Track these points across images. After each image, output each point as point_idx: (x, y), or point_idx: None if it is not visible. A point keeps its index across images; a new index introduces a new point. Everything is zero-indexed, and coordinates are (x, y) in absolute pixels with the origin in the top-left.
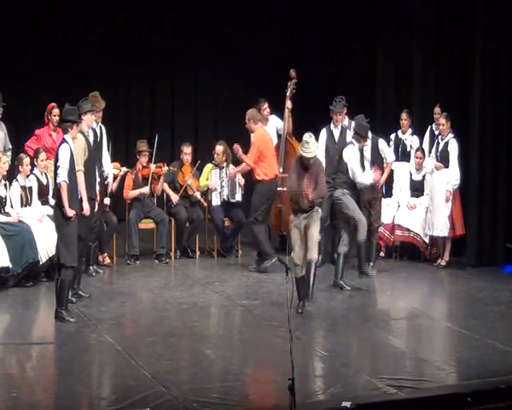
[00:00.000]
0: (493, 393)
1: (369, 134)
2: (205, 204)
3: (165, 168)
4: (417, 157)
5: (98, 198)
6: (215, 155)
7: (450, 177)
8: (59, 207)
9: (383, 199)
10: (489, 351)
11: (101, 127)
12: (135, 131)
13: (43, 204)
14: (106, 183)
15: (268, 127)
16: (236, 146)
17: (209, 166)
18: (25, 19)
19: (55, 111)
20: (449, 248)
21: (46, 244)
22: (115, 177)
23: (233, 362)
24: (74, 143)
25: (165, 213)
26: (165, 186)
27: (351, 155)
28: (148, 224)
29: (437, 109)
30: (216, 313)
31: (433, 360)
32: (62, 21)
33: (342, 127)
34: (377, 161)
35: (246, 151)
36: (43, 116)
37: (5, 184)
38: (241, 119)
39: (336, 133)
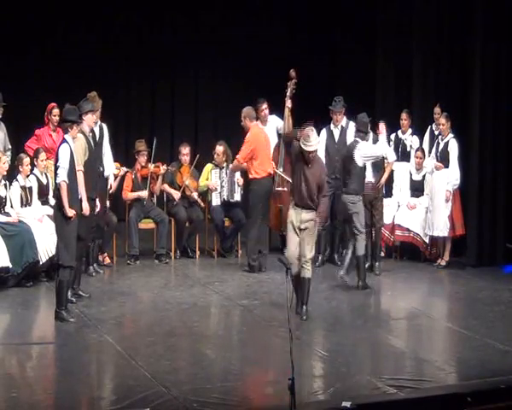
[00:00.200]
0: (493, 393)
1: (371, 133)
2: (202, 204)
3: (164, 168)
4: (417, 157)
5: (97, 199)
6: (215, 156)
7: (450, 177)
8: (59, 207)
9: (383, 199)
10: (489, 351)
11: (101, 126)
12: (135, 131)
13: (43, 204)
14: (109, 186)
15: (268, 127)
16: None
17: (209, 166)
18: (25, 19)
19: (55, 111)
20: (449, 248)
21: (46, 244)
22: (115, 177)
23: (233, 362)
24: (74, 142)
25: (164, 214)
26: (165, 186)
27: (365, 150)
28: (148, 224)
29: (437, 109)
30: (216, 313)
31: (433, 360)
32: (62, 21)
33: (342, 127)
34: (378, 160)
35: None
36: (43, 116)
37: (5, 184)
38: (241, 119)
39: (336, 133)
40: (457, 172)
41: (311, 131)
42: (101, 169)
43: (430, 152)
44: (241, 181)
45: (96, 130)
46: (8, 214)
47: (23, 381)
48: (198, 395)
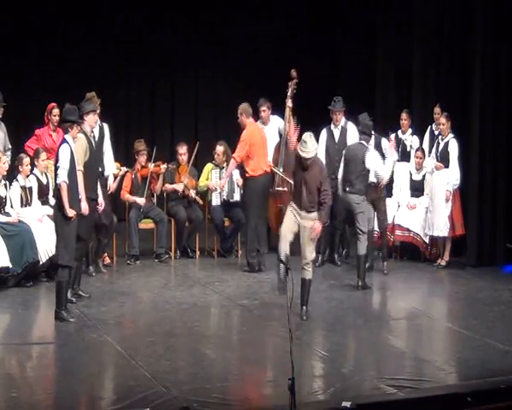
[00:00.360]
0: (493, 393)
1: (373, 133)
2: (201, 202)
3: (164, 167)
4: (417, 157)
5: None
6: (215, 156)
7: (451, 177)
8: (59, 207)
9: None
10: (489, 351)
11: (101, 127)
12: (135, 131)
13: (43, 204)
14: (108, 186)
15: (270, 127)
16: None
17: (209, 166)
18: (25, 19)
19: (55, 111)
20: (449, 248)
21: (46, 244)
22: (115, 176)
23: (233, 362)
24: (75, 142)
25: (164, 213)
26: (167, 185)
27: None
28: (147, 224)
29: (437, 109)
30: (216, 313)
31: (433, 360)
32: (62, 21)
33: (342, 127)
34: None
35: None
36: (43, 116)
37: (5, 184)
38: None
39: (336, 133)
40: (457, 172)
41: (309, 136)
42: (100, 169)
43: (430, 152)
44: (240, 181)
45: (96, 130)
46: (8, 214)
47: (23, 381)
48: (198, 395)
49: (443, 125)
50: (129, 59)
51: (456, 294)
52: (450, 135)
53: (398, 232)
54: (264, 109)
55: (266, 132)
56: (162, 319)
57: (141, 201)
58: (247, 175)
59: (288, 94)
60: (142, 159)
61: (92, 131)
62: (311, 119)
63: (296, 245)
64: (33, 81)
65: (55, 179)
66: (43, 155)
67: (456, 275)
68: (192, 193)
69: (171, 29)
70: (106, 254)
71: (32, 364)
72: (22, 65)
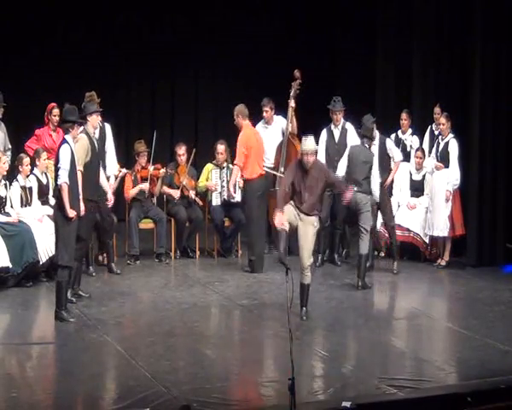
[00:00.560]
0: (493, 393)
1: (377, 134)
2: (200, 203)
3: (163, 170)
4: (417, 157)
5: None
6: (218, 155)
7: (451, 177)
8: (59, 207)
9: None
10: (489, 351)
11: (101, 127)
12: (135, 132)
13: (43, 204)
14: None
15: (273, 127)
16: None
17: (209, 166)
18: (24, 19)
19: (55, 111)
20: (449, 248)
21: (46, 244)
22: (115, 177)
23: (233, 362)
24: (76, 143)
25: (162, 213)
26: (165, 188)
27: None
28: (147, 224)
29: (437, 109)
30: (216, 313)
31: (433, 360)
32: (62, 21)
33: (343, 127)
34: (384, 160)
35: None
36: (43, 116)
37: (5, 184)
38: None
39: (336, 133)
40: (457, 172)
41: (309, 135)
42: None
43: (430, 152)
44: (241, 183)
45: (96, 130)
46: (8, 214)
47: (23, 381)
48: (198, 395)
49: (443, 125)
50: (129, 59)
51: (456, 294)
52: (451, 135)
53: (398, 232)
54: (267, 110)
55: (269, 132)
56: (162, 319)
57: (145, 185)
58: (244, 178)
59: (291, 94)
60: (143, 160)
61: (94, 132)
62: (311, 119)
63: (295, 246)
64: (33, 81)
65: (56, 180)
66: (44, 155)
67: (456, 275)
68: (191, 194)
69: (171, 29)
70: (105, 255)
71: (31, 364)
72: (22, 65)
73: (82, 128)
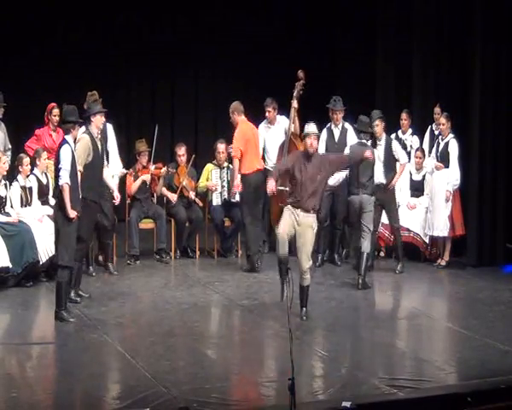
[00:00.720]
0: (493, 393)
1: (384, 135)
2: (200, 204)
3: (164, 169)
4: (417, 157)
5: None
6: (220, 154)
7: (451, 177)
8: (60, 207)
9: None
10: (489, 351)
11: (103, 127)
12: (135, 132)
13: (43, 204)
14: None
15: (276, 127)
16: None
17: (209, 166)
18: (24, 19)
19: (55, 111)
20: (449, 248)
21: (46, 244)
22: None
23: (233, 362)
24: (78, 143)
25: (162, 210)
26: (164, 189)
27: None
28: (147, 224)
29: (437, 109)
30: (216, 313)
31: (433, 360)
32: (62, 21)
33: (343, 127)
34: (390, 161)
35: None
36: (43, 116)
37: (5, 184)
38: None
39: (336, 133)
40: (457, 172)
41: (311, 121)
42: None
43: (430, 152)
44: (239, 188)
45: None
46: (8, 214)
47: (23, 381)
48: (198, 395)
49: (443, 125)
50: (129, 59)
51: (456, 294)
52: (451, 135)
53: None
54: (270, 110)
55: (272, 132)
56: (162, 319)
57: (146, 177)
58: (240, 173)
59: (294, 95)
60: (144, 159)
61: (98, 133)
62: (311, 119)
63: (295, 246)
64: (33, 81)
65: (57, 181)
66: (44, 155)
67: (456, 275)
68: (191, 194)
69: (171, 29)
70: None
71: (31, 364)
72: (22, 65)
73: (85, 129)
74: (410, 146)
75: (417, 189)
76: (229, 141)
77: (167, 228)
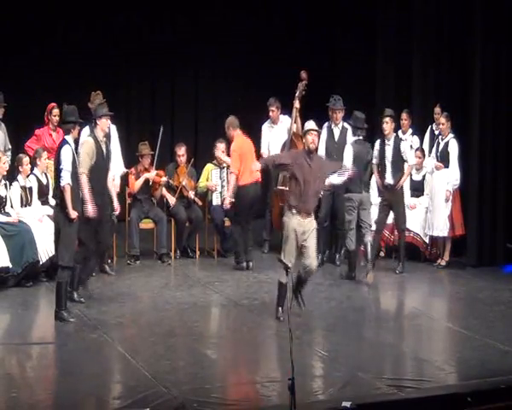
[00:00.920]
0: (493, 393)
1: (393, 135)
2: (200, 203)
3: (164, 179)
4: (417, 157)
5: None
6: (218, 152)
7: (450, 177)
8: (62, 208)
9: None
10: (489, 351)
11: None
12: (135, 131)
13: (43, 204)
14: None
15: (279, 127)
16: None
17: (209, 166)
18: (24, 19)
19: (55, 111)
20: (449, 248)
21: (46, 244)
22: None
23: (233, 362)
24: (82, 146)
25: (162, 212)
26: (163, 190)
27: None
28: (147, 224)
29: (437, 109)
30: (216, 313)
31: (433, 360)
32: (62, 21)
33: (343, 126)
34: (398, 161)
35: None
36: (43, 116)
37: (5, 184)
38: (241, 119)
39: (336, 132)
40: (457, 172)
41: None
42: None
43: (430, 152)
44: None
45: None
46: (8, 214)
47: (23, 381)
48: (198, 395)
49: (443, 125)
50: (129, 59)
51: (456, 294)
52: (451, 135)
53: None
54: (273, 109)
55: (275, 132)
56: (162, 319)
57: (150, 175)
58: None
59: (296, 95)
60: (146, 162)
61: (104, 136)
62: (311, 119)
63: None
64: (33, 81)
65: (58, 181)
66: (45, 155)
67: (456, 275)
68: (191, 194)
69: (171, 29)
70: (106, 255)
71: (31, 364)
72: (22, 65)
73: (89, 131)
74: (410, 146)
75: (417, 189)
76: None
77: (167, 228)
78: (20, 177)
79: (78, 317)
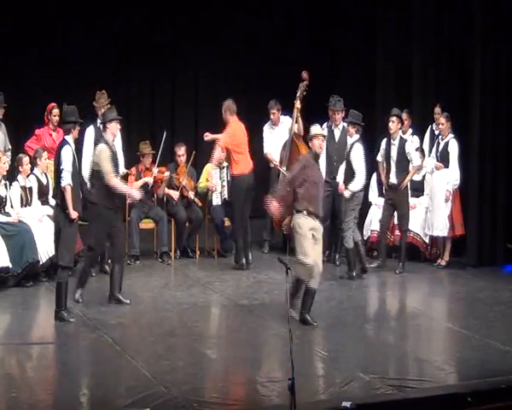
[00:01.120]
0: (493, 393)
1: (398, 135)
2: (200, 204)
3: (167, 174)
4: None
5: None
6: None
7: (450, 177)
8: (62, 208)
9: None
10: (489, 351)
11: None
12: (135, 131)
13: (43, 204)
14: None
15: (280, 128)
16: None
17: (209, 166)
18: (24, 19)
19: (55, 111)
20: (449, 248)
21: (46, 244)
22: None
23: (233, 362)
24: (100, 154)
25: (162, 212)
26: (166, 189)
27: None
28: (148, 224)
29: (437, 109)
30: (216, 313)
31: (433, 360)
32: (62, 21)
33: (343, 127)
34: (402, 162)
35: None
36: (43, 116)
37: (5, 184)
38: (241, 118)
39: (337, 133)
40: (457, 172)
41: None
42: None
43: (430, 152)
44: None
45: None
46: (8, 214)
47: (23, 381)
48: (198, 395)
49: (443, 125)
50: (129, 59)
51: (456, 294)
52: (451, 135)
53: (397, 232)
54: (274, 112)
55: (276, 133)
56: (162, 319)
57: (149, 180)
58: (233, 173)
59: (298, 95)
60: (147, 161)
61: (113, 140)
62: (311, 119)
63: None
64: (33, 81)
65: (59, 182)
66: (45, 155)
67: (456, 275)
68: (191, 194)
69: (171, 29)
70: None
71: (32, 364)
72: (22, 65)
73: (93, 130)
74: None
75: (417, 189)
76: None
77: (168, 227)
78: (20, 177)
79: (78, 317)
